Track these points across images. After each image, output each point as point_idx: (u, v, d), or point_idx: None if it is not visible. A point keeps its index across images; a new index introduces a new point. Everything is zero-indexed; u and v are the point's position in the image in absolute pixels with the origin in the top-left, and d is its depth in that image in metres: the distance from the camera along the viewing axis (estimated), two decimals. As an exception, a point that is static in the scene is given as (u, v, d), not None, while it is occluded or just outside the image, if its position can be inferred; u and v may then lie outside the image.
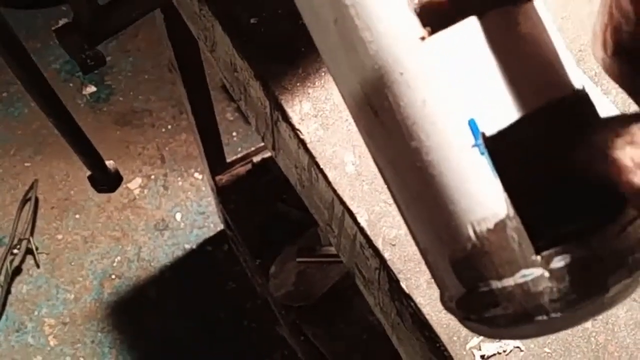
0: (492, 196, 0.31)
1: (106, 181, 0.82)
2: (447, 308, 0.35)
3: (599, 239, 0.31)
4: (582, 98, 0.33)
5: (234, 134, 1.87)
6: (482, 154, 0.31)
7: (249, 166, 1.48)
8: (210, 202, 1.76)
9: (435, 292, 0.53)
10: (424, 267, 0.54)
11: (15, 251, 1.68)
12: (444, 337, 0.52)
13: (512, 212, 0.31)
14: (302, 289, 1.33)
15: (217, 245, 1.72)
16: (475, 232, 0.31)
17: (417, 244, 0.36)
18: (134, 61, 1.99)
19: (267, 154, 1.47)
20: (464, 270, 0.32)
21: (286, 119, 0.61)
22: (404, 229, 0.55)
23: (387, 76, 0.32)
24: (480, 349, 0.52)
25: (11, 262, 1.67)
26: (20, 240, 1.69)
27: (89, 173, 0.82)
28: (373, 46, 0.32)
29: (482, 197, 0.31)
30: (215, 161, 1.40)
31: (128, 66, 1.98)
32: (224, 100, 1.90)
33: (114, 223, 1.76)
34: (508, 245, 0.31)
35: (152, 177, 1.82)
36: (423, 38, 0.32)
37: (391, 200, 0.57)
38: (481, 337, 0.52)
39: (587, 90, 0.34)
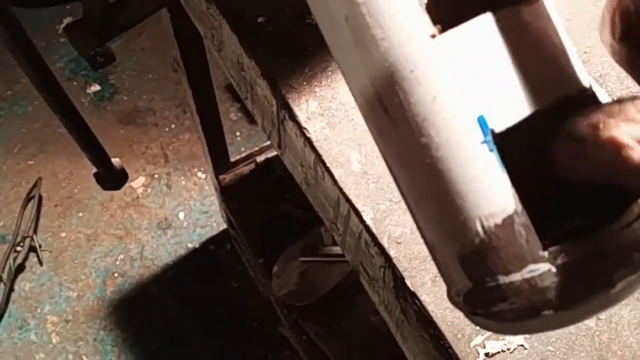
0: (501, 192, 0.32)
1: (112, 179, 0.82)
2: (454, 303, 0.36)
3: (605, 235, 0.32)
4: (589, 96, 0.34)
5: (238, 133, 1.88)
6: (491, 150, 0.32)
7: (253, 166, 1.48)
8: (213, 202, 1.76)
9: (440, 290, 0.54)
10: (429, 265, 0.55)
11: (18, 249, 1.69)
12: (448, 335, 0.52)
13: (520, 207, 0.32)
14: (305, 289, 1.34)
15: (220, 244, 1.72)
16: (483, 227, 0.32)
17: (425, 239, 0.36)
18: (138, 60, 2.00)
19: (271, 154, 1.47)
20: (471, 265, 0.33)
21: (293, 117, 0.61)
22: (409, 227, 0.56)
23: (397, 73, 0.32)
24: (484, 347, 0.52)
25: (14, 259, 1.67)
26: (23, 238, 1.70)
27: (93, 171, 0.82)
28: (384, 43, 0.32)
29: (491, 193, 0.32)
30: (219, 160, 1.41)
31: (132, 65, 1.99)
32: (228, 100, 1.90)
33: (117, 221, 1.76)
34: (516, 241, 0.31)
35: (156, 176, 1.83)
36: (434, 36, 0.32)
37: (397, 199, 0.57)
38: (486, 335, 0.52)
39: (594, 89, 0.34)
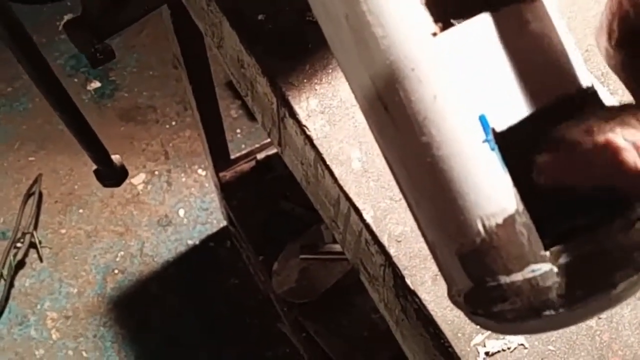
0: (502, 191, 0.31)
1: (112, 176, 0.82)
2: (455, 302, 0.36)
3: (606, 236, 0.32)
4: (590, 96, 0.33)
5: (238, 131, 1.88)
6: (492, 149, 0.31)
7: (253, 163, 1.48)
8: (213, 199, 1.76)
9: (440, 289, 0.53)
10: (429, 263, 0.55)
11: (18, 245, 1.69)
12: (448, 334, 0.52)
13: (521, 207, 0.31)
14: (305, 286, 1.34)
15: (219, 241, 1.72)
16: (484, 226, 0.32)
17: (425, 238, 0.36)
18: (138, 57, 1.99)
19: (271, 151, 1.47)
20: (472, 264, 0.33)
21: (293, 115, 0.61)
22: (409, 226, 0.56)
23: (398, 72, 0.32)
24: (484, 346, 0.52)
25: (14, 255, 1.67)
26: (23, 234, 1.70)
27: (94, 168, 0.82)
28: (385, 42, 0.32)
29: (492, 193, 0.31)
30: (219, 158, 1.41)
31: (133, 62, 1.98)
32: (228, 97, 1.90)
33: (117, 218, 1.76)
34: (517, 241, 0.31)
35: (156, 172, 1.83)
36: (435, 34, 0.32)
37: (397, 197, 0.57)
38: (486, 334, 0.52)
39: (595, 88, 0.34)
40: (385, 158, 0.37)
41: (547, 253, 0.31)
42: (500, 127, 0.32)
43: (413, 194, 0.35)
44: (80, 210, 1.77)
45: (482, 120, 0.31)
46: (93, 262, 1.70)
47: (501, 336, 0.52)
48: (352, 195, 0.57)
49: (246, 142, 1.84)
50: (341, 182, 0.58)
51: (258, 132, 1.86)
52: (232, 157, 1.44)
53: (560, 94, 0.33)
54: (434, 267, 0.45)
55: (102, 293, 1.66)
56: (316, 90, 0.61)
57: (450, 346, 0.52)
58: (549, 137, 0.31)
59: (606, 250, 0.31)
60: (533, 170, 0.31)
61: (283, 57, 0.63)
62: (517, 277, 0.31)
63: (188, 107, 1.89)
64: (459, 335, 0.52)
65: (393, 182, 0.38)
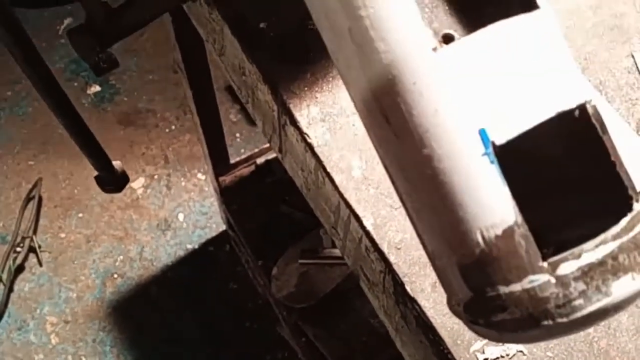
0: (501, 203, 0.32)
1: (113, 181, 0.82)
2: (454, 312, 0.36)
3: (603, 246, 0.32)
4: (590, 109, 0.34)
5: (238, 135, 1.88)
6: (492, 162, 0.32)
7: (252, 167, 1.48)
8: (213, 203, 1.76)
9: (440, 296, 0.54)
10: (428, 270, 0.55)
11: (18, 249, 1.69)
12: (447, 341, 0.52)
13: (520, 219, 0.32)
14: (304, 290, 1.34)
15: (219, 245, 1.72)
16: (484, 238, 0.32)
17: (425, 248, 0.37)
18: (138, 61, 2.00)
19: (271, 156, 1.48)
20: (472, 275, 0.33)
21: (294, 122, 0.61)
22: (409, 233, 0.56)
23: (400, 85, 0.33)
24: (483, 353, 0.52)
25: (14, 260, 1.67)
26: (23, 239, 1.70)
27: (94, 172, 0.82)
28: (387, 56, 0.33)
29: (492, 204, 0.32)
30: (219, 162, 1.41)
31: (133, 66, 1.99)
32: (228, 102, 1.90)
33: (116, 222, 1.76)
34: (516, 252, 0.32)
35: (156, 177, 1.83)
36: (435, 49, 0.33)
37: (397, 205, 0.58)
38: (485, 341, 0.52)
39: (595, 102, 0.34)
40: (386, 169, 0.37)
41: (545, 264, 0.32)
42: (500, 140, 0.32)
43: (413, 205, 0.36)
44: (80, 215, 1.78)
45: (482, 134, 0.32)
46: (92, 266, 1.70)
47: (500, 343, 0.53)
48: (352, 202, 0.58)
49: (246, 146, 1.85)
50: (341, 190, 0.58)
51: (258, 136, 1.86)
52: (232, 161, 1.45)
53: (560, 107, 0.33)
54: (433, 275, 0.46)
55: (102, 297, 1.66)
56: (317, 98, 0.62)
57: (450, 353, 0.52)
58: None
59: (603, 261, 0.32)
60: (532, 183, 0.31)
61: (284, 65, 0.64)
62: (516, 287, 0.32)
63: (188, 111, 1.90)
64: (458, 342, 0.52)
65: (393, 190, 0.38)
